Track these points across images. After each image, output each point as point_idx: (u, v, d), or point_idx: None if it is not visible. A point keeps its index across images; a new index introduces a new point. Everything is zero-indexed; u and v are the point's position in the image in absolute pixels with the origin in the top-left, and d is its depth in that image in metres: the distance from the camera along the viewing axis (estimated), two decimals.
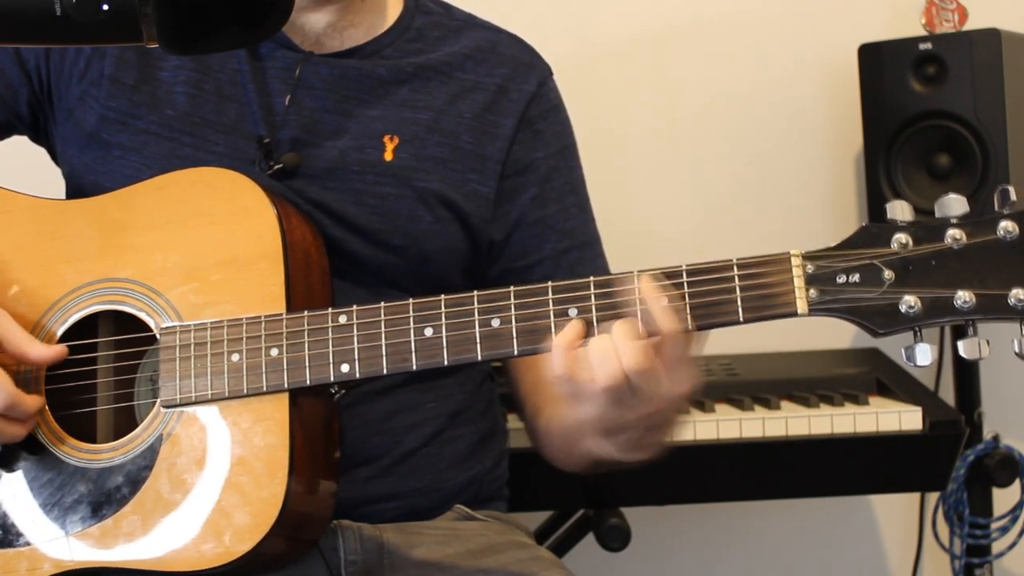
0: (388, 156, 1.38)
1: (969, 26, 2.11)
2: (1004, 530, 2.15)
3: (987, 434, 2.16)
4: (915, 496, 2.33)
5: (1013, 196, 1.04)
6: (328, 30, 1.42)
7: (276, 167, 1.34)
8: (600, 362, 1.09)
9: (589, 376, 1.10)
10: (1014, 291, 1.02)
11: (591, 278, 1.11)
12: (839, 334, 2.23)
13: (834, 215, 2.36)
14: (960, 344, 1.05)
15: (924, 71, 2.07)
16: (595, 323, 1.11)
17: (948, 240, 1.04)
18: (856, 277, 1.06)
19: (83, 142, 1.39)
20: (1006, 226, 1.03)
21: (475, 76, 1.45)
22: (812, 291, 1.07)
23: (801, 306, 1.07)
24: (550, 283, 1.12)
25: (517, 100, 1.45)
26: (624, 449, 1.20)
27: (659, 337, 1.09)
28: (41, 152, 1.50)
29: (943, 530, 2.19)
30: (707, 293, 1.09)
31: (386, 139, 1.39)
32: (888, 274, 1.05)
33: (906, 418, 1.83)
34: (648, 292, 1.09)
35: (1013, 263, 1.03)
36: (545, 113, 1.47)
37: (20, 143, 1.49)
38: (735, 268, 1.09)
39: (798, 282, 1.07)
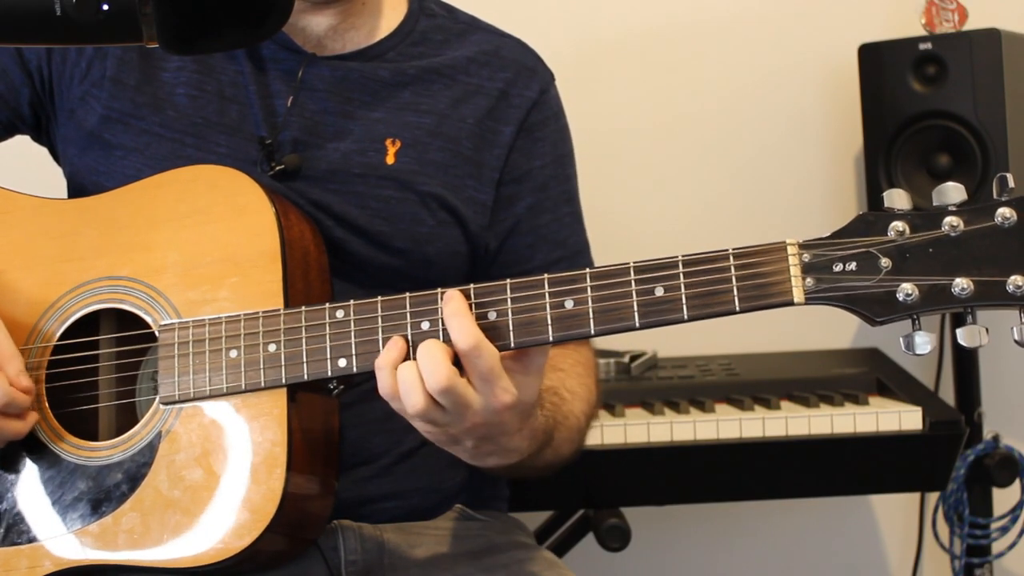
0: (390, 160, 1.39)
1: (969, 26, 2.11)
2: (1004, 530, 2.15)
3: (987, 434, 2.16)
4: (915, 496, 2.33)
5: (1011, 183, 1.02)
6: (330, 33, 1.42)
7: (278, 168, 1.34)
8: (407, 390, 1.10)
9: (399, 403, 1.11)
10: (1012, 278, 1.01)
11: (587, 270, 1.11)
12: (839, 334, 2.23)
13: (834, 215, 2.36)
14: (959, 332, 1.04)
15: (924, 71, 2.07)
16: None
17: (945, 227, 1.03)
18: (853, 265, 1.05)
19: (85, 143, 1.39)
20: (1004, 212, 1.02)
21: (478, 80, 1.45)
22: (809, 280, 1.06)
23: (797, 295, 1.06)
24: (546, 276, 1.12)
25: (518, 106, 1.45)
26: (470, 459, 1.20)
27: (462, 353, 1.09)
28: (42, 152, 1.50)
29: (943, 530, 2.19)
30: (703, 283, 1.08)
31: (388, 142, 1.39)
32: (885, 262, 1.04)
33: (906, 418, 1.83)
34: (447, 308, 1.10)
35: (1011, 250, 1.01)
36: (545, 120, 1.48)
37: (21, 143, 1.49)
38: (731, 258, 1.08)
39: (794, 271, 1.06)
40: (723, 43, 2.33)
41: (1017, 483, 2.13)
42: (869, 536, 2.42)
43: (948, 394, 2.23)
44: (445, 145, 1.41)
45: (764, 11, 2.33)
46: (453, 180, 1.41)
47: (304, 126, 1.37)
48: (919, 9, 2.14)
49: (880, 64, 2.11)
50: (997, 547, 2.18)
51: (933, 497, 2.22)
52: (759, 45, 2.33)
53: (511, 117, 1.45)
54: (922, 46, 2.06)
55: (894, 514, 2.40)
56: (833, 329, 2.21)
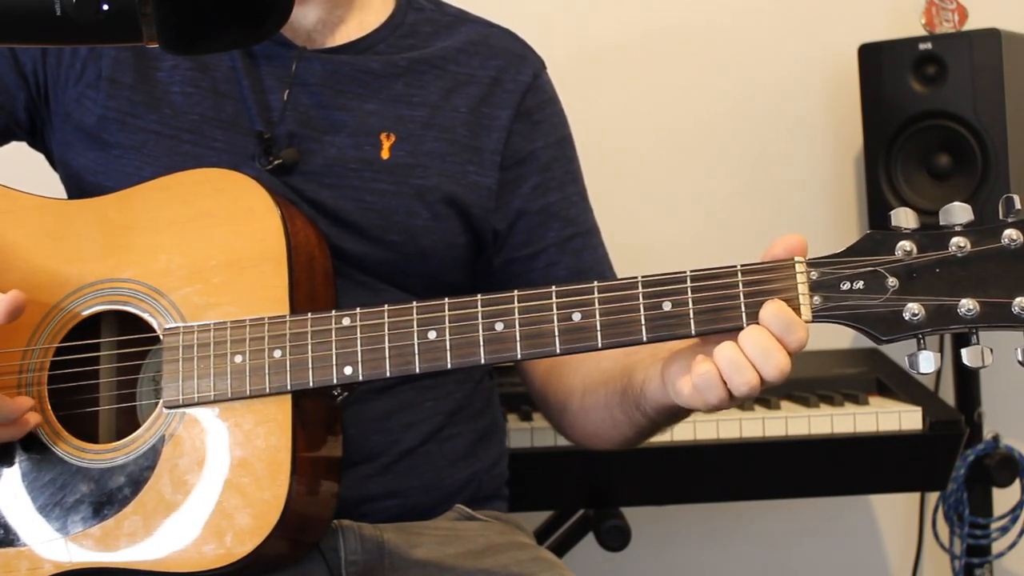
0: (385, 154, 1.39)
1: (969, 26, 2.11)
2: (1004, 530, 2.16)
3: (987, 434, 2.17)
4: (915, 496, 2.34)
5: (1017, 204, 1.04)
6: (319, 26, 1.42)
7: (275, 162, 1.34)
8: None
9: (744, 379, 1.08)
10: (1018, 299, 1.02)
11: (595, 283, 1.11)
12: (839, 334, 2.22)
13: (834, 215, 2.36)
14: (964, 352, 1.05)
15: (924, 71, 2.08)
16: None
17: (952, 248, 1.04)
18: (860, 284, 1.06)
19: (83, 144, 1.39)
20: (1010, 234, 1.03)
21: (468, 69, 1.45)
22: (816, 298, 1.07)
23: (805, 312, 1.07)
24: (554, 287, 1.12)
25: (512, 91, 1.46)
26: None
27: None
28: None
29: (943, 530, 2.19)
30: (711, 299, 1.09)
31: (383, 137, 1.39)
32: (892, 281, 1.05)
33: (906, 418, 1.84)
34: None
35: (1017, 271, 1.03)
36: (542, 104, 1.48)
37: (22, 145, 1.49)
38: (739, 274, 1.09)
39: (802, 288, 1.07)
40: (723, 44, 2.33)
41: (1017, 483, 2.14)
42: (869, 536, 2.42)
43: (948, 394, 2.23)
44: (440, 135, 1.41)
45: (764, 12, 2.33)
46: (452, 168, 1.41)
47: (299, 120, 1.37)
48: (919, 9, 2.14)
49: (880, 64, 2.11)
50: (997, 547, 2.18)
51: (933, 497, 2.22)
52: (759, 46, 2.33)
53: (506, 102, 1.45)
54: (922, 46, 2.06)
55: (894, 514, 2.40)
56: (833, 329, 2.21)
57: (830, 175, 2.36)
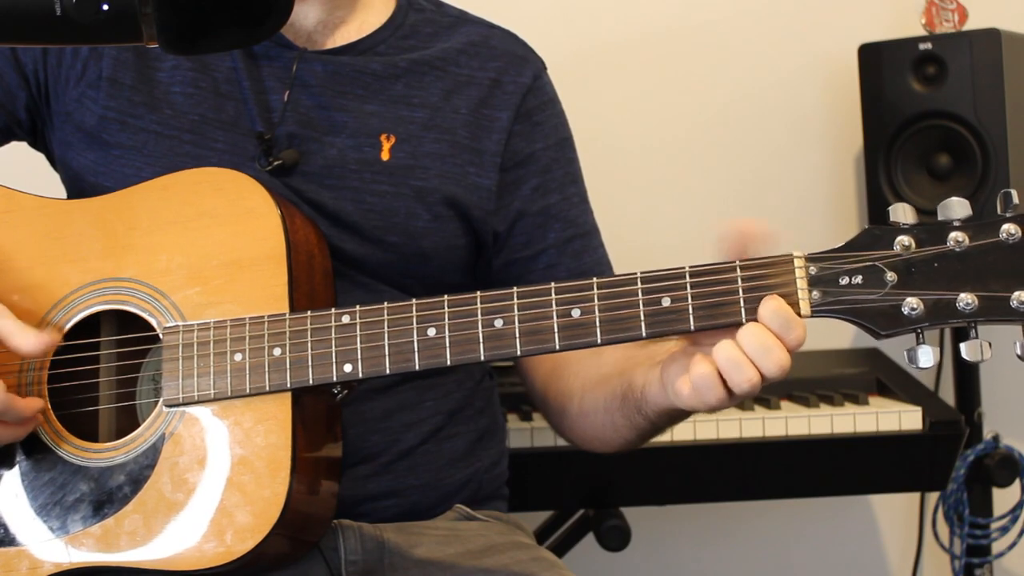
0: (385, 155, 1.39)
1: (969, 26, 2.11)
2: (1004, 530, 2.16)
3: (987, 434, 2.17)
4: (915, 496, 2.34)
5: (1015, 199, 1.04)
6: (319, 27, 1.42)
7: (276, 163, 1.34)
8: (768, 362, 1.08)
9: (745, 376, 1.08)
10: (1016, 293, 1.03)
11: (594, 279, 1.12)
12: (839, 334, 2.23)
13: (834, 215, 2.36)
14: (963, 346, 1.06)
15: (924, 71, 2.08)
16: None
17: (951, 242, 1.04)
18: (859, 279, 1.06)
19: (84, 144, 1.39)
20: (1008, 229, 1.03)
21: (469, 70, 1.45)
22: (815, 293, 1.07)
23: (804, 307, 1.08)
24: (553, 284, 1.12)
25: (512, 92, 1.46)
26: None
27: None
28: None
29: (943, 530, 2.19)
30: (710, 294, 1.09)
31: (383, 138, 1.39)
32: (891, 276, 1.05)
33: (906, 418, 1.84)
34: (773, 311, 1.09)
35: (1015, 265, 1.03)
36: (543, 105, 1.48)
37: (23, 144, 1.49)
38: (738, 269, 1.09)
39: (801, 283, 1.08)
40: (723, 44, 2.33)
41: (1017, 483, 2.14)
42: (869, 536, 2.42)
43: (948, 394, 2.24)
44: (440, 136, 1.41)
45: (764, 11, 2.34)
46: (452, 169, 1.41)
47: (299, 121, 1.38)
48: (919, 9, 2.14)
49: (880, 64, 2.11)
50: (997, 547, 2.18)
51: (933, 497, 2.22)
52: (759, 46, 2.33)
53: (506, 103, 1.45)
54: (922, 46, 2.06)
55: (894, 514, 2.40)
56: (833, 329, 2.21)
57: (830, 175, 2.36)
